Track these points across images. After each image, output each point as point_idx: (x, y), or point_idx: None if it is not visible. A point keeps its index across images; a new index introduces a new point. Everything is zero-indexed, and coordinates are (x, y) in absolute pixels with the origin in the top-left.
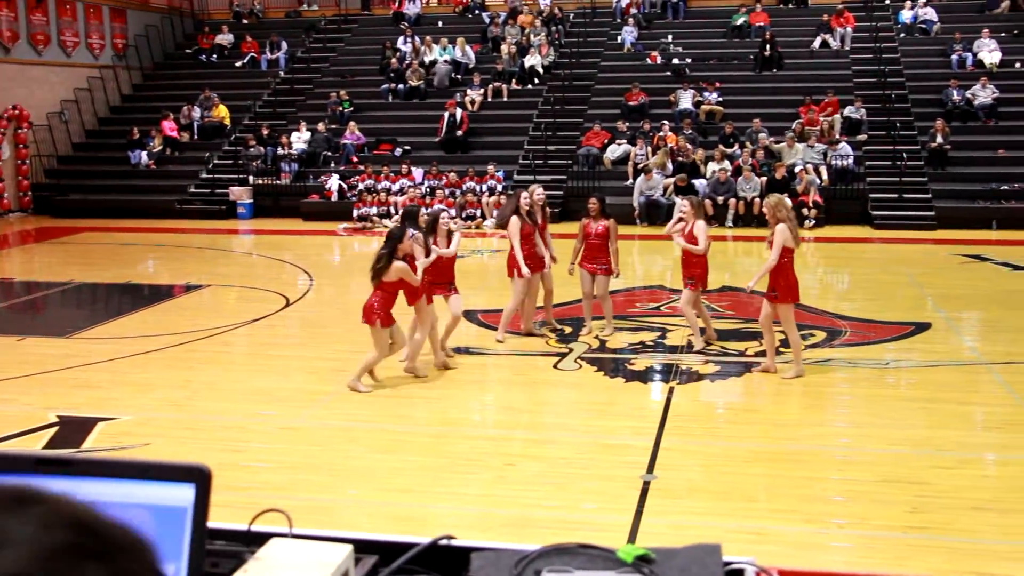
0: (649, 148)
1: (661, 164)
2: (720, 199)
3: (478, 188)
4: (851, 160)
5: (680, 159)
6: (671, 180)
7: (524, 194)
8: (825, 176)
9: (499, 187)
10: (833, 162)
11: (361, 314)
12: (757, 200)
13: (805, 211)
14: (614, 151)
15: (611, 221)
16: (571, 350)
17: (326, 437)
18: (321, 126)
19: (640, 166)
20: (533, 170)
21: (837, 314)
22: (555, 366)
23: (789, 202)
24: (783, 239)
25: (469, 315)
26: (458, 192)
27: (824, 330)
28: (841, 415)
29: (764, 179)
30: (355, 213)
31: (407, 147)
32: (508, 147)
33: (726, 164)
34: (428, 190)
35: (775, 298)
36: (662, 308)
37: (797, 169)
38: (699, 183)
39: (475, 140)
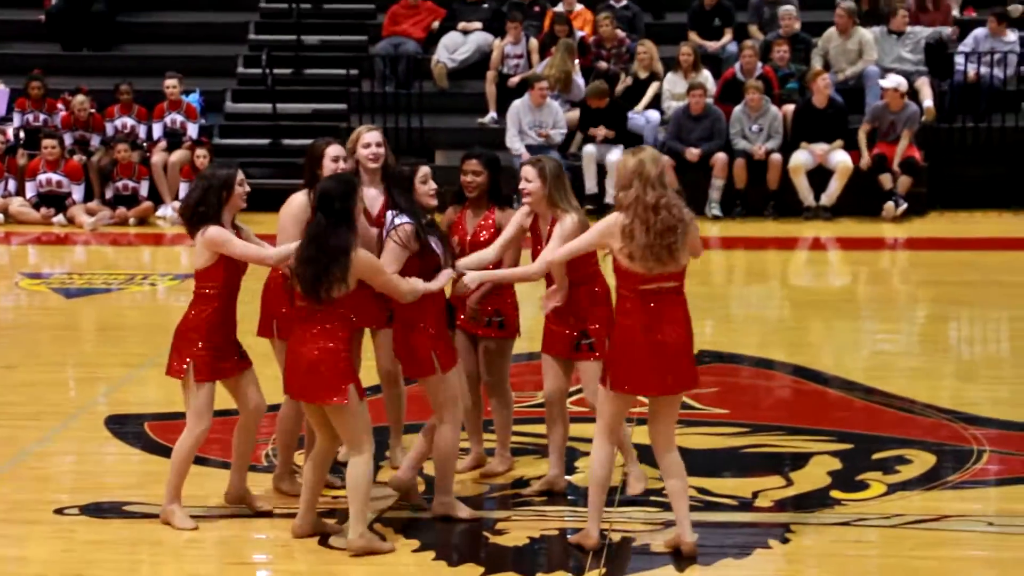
0: (535, 41)
1: (560, 78)
2: (693, 155)
3: (143, 130)
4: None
5: (603, 65)
6: (580, 115)
7: (238, 177)
8: (928, 101)
9: (192, 128)
10: (958, 68)
11: (410, 367)
12: (775, 157)
13: (887, 181)
14: (455, 47)
15: (507, 213)
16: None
17: None
18: None
19: (514, 79)
20: (269, 89)
21: (959, 413)
22: (324, 542)
23: (663, 161)
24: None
25: (124, 422)
26: (95, 141)
27: (931, 450)
28: None
29: (790, 109)
30: None
31: None
32: (211, 36)
33: (705, 78)
34: (19, 136)
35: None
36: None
37: (883, 85)
38: (644, 118)
39: (133, 20)
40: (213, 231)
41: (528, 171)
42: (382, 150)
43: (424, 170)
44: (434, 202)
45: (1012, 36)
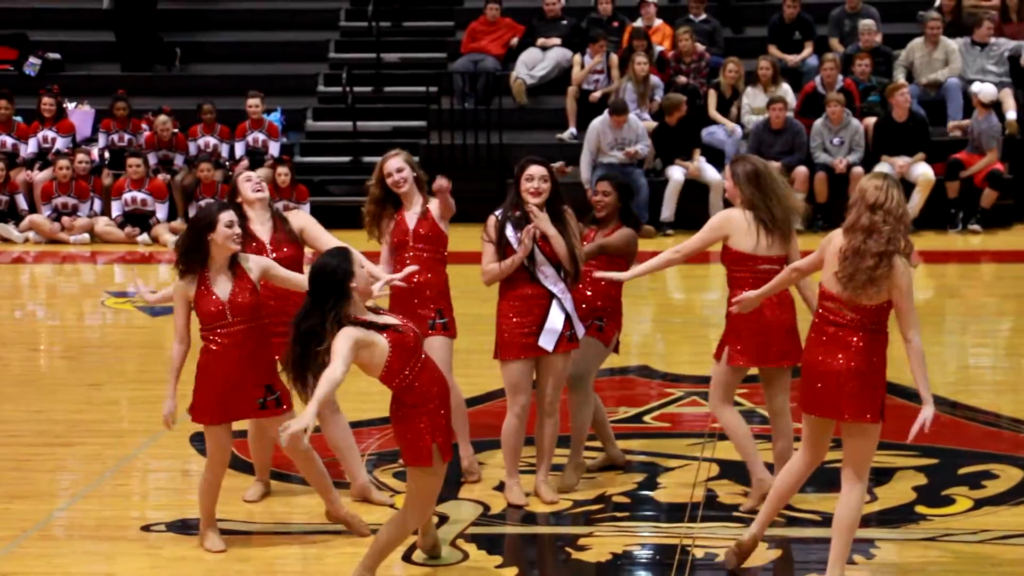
0: (615, 56)
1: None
2: (773, 169)
3: (225, 149)
4: None
5: (682, 79)
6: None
7: (248, 174)
8: (1012, 113)
9: (274, 146)
10: None
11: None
12: (857, 171)
13: (953, 189)
14: (534, 63)
15: (628, 233)
16: (442, 518)
17: None
18: None
19: (595, 95)
20: (350, 107)
21: None
22: (406, 557)
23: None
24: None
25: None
26: (178, 160)
27: (1019, 464)
28: None
29: (871, 122)
30: None
31: (55, 55)
32: (292, 55)
33: (785, 91)
34: (104, 156)
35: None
36: (648, 417)
37: (971, 91)
38: (726, 132)
39: (215, 40)
40: None
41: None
42: (404, 174)
43: (529, 169)
44: (533, 200)
45: (1005, 44)
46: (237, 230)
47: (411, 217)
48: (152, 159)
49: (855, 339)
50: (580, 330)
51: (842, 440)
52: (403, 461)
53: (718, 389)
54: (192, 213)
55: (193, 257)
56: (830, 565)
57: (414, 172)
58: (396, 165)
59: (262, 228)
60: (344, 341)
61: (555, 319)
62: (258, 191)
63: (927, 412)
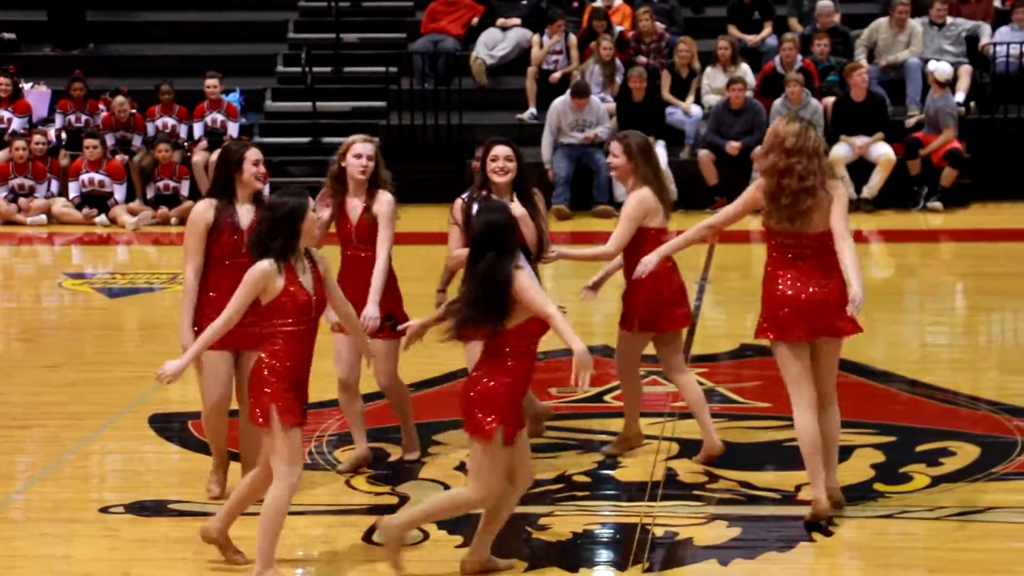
0: (574, 37)
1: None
2: (733, 149)
3: (184, 130)
4: None
5: (643, 59)
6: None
7: (258, 156)
8: (961, 95)
9: (233, 127)
10: (999, 59)
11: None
12: None
13: (915, 167)
14: (493, 43)
15: (536, 193)
16: (402, 499)
17: None
18: None
19: (555, 76)
20: (309, 87)
21: (1002, 405)
22: (366, 537)
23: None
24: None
25: (167, 421)
26: (136, 141)
27: (975, 441)
28: None
29: (830, 101)
30: None
31: (10, 35)
32: (250, 35)
33: (745, 71)
34: (60, 137)
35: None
36: (609, 396)
37: (928, 69)
38: (689, 112)
39: (173, 19)
40: None
41: (616, 143)
42: (371, 164)
43: (494, 150)
44: (498, 178)
45: (962, 24)
46: (322, 215)
47: (353, 214)
48: (110, 140)
49: (822, 262)
50: None
51: (816, 365)
52: (466, 430)
53: (624, 356)
54: (149, 194)
55: (291, 247)
56: (827, 468)
57: (375, 168)
58: (366, 151)
59: (244, 214)
60: (535, 286)
61: None
62: (258, 180)
63: (857, 291)
